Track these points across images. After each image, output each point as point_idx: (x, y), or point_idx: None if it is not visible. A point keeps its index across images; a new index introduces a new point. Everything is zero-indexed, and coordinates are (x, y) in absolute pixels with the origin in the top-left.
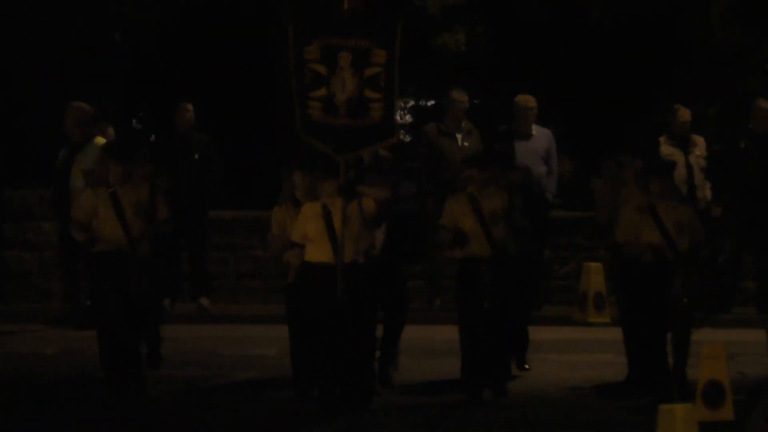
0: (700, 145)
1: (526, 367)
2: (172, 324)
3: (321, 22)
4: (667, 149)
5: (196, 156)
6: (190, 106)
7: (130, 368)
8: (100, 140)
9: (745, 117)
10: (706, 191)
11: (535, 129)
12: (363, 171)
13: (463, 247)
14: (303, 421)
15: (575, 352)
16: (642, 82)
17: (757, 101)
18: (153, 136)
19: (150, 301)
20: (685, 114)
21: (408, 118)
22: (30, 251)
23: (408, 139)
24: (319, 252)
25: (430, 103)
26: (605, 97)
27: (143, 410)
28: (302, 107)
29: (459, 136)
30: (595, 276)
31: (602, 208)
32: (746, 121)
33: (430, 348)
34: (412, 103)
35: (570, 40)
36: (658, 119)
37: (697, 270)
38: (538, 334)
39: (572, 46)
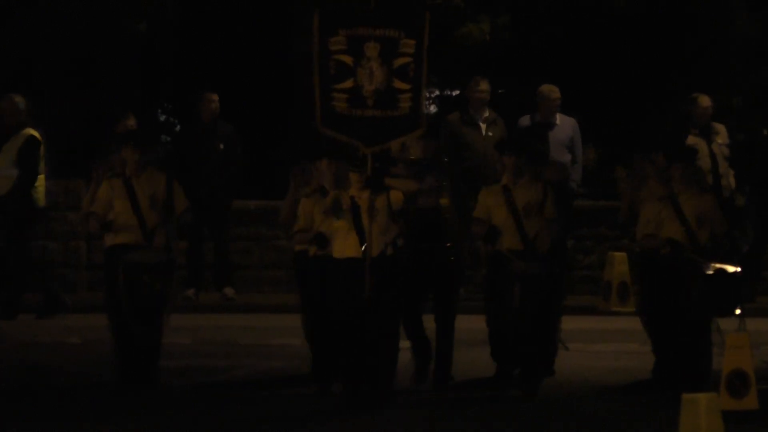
0: (722, 133)
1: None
2: (196, 313)
3: (348, 11)
4: (691, 139)
5: (221, 146)
6: (215, 97)
7: (142, 361)
8: (29, 132)
9: (767, 106)
10: (730, 179)
11: (559, 118)
12: (390, 163)
13: (494, 243)
14: (325, 415)
15: (599, 341)
16: (665, 70)
17: None
18: (178, 126)
19: (163, 298)
20: (705, 101)
21: (432, 108)
22: (54, 241)
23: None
24: (345, 247)
25: (455, 93)
26: (629, 86)
27: (164, 400)
28: (326, 100)
29: (483, 126)
30: (619, 266)
31: (623, 203)
32: None
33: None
34: (436, 92)
35: (593, 29)
36: (681, 110)
37: (719, 262)
38: (562, 323)
39: (595, 35)
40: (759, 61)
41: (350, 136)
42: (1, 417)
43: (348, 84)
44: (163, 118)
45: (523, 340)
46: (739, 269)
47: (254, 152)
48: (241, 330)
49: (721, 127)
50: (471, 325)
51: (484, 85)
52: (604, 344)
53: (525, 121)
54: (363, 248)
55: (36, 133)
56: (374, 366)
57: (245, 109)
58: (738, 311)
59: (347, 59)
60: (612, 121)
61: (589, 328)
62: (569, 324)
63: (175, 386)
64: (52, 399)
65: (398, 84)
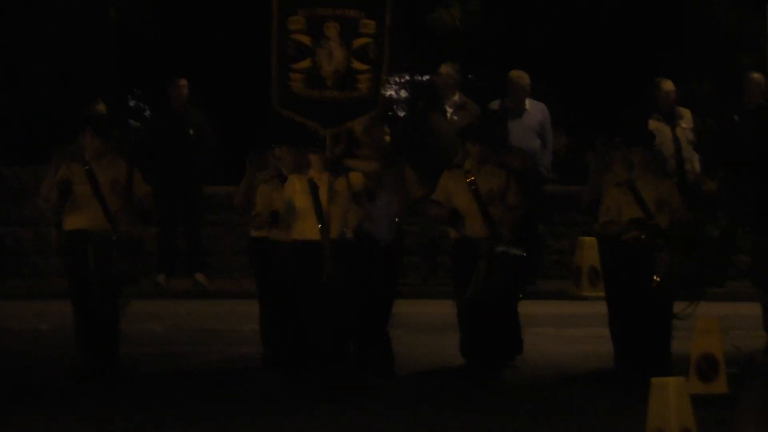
0: (686, 118)
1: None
2: (168, 299)
3: None
4: (653, 123)
5: (191, 132)
6: (184, 82)
7: (107, 345)
8: None
9: (738, 92)
10: (694, 163)
11: (529, 103)
12: (354, 145)
13: (457, 227)
14: (293, 399)
15: (570, 326)
16: (636, 56)
17: (749, 74)
18: (147, 112)
19: (130, 279)
20: (668, 85)
21: (403, 93)
22: (25, 228)
23: (403, 114)
24: (305, 229)
25: (426, 78)
26: (601, 71)
27: (135, 386)
28: (282, 79)
29: (449, 111)
30: (589, 250)
31: (587, 187)
32: (740, 97)
33: (426, 323)
34: (407, 78)
35: (564, 14)
36: (644, 94)
37: (678, 246)
38: (533, 308)
39: (567, 20)
40: (730, 48)
41: (307, 117)
42: None
43: (306, 64)
44: (133, 104)
45: (485, 321)
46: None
47: (228, 138)
48: (213, 316)
49: (686, 112)
50: (444, 310)
51: (447, 69)
52: (575, 329)
53: (495, 106)
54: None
55: None
56: (339, 350)
57: (220, 95)
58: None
59: (306, 39)
60: (583, 107)
61: (560, 313)
62: (541, 308)
63: (147, 372)
64: (18, 386)
65: (357, 65)
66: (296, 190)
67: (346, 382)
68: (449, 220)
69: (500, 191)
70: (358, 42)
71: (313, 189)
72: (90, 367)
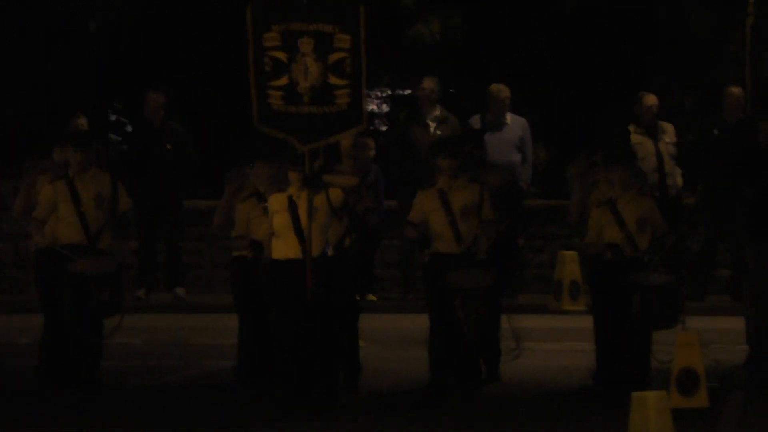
0: (669, 132)
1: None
2: (147, 313)
3: (281, 7)
4: (636, 138)
5: (169, 146)
6: (156, 96)
7: (83, 363)
8: None
9: (718, 106)
10: (677, 178)
11: (510, 118)
12: (335, 159)
13: (428, 247)
14: (275, 413)
15: (551, 340)
16: (617, 70)
17: (728, 89)
18: (128, 126)
19: (111, 311)
20: (650, 100)
21: (384, 107)
22: (3, 242)
23: (384, 128)
24: (285, 247)
25: (407, 92)
26: (580, 85)
27: (113, 400)
28: (261, 97)
29: (432, 125)
30: (570, 264)
31: (572, 204)
32: (719, 111)
33: (404, 337)
34: (388, 92)
35: (544, 28)
36: (625, 108)
37: (660, 264)
38: (513, 323)
39: (547, 34)
40: (710, 61)
41: (287, 133)
42: None
43: (283, 81)
44: (113, 117)
45: (463, 351)
46: (672, 280)
47: (209, 152)
48: (193, 330)
49: (668, 126)
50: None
51: (430, 83)
52: (555, 343)
53: (475, 120)
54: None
55: None
56: (315, 370)
57: (200, 108)
58: (679, 323)
59: (281, 55)
60: (564, 121)
61: (540, 327)
62: (521, 323)
63: (125, 386)
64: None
65: (334, 80)
66: (275, 209)
67: (317, 400)
68: (419, 241)
69: (474, 206)
70: (334, 57)
71: (292, 207)
72: (55, 382)
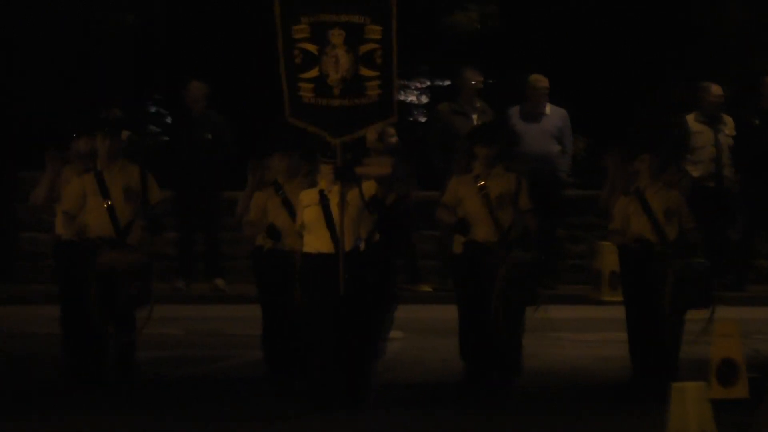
0: (729, 125)
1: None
2: (186, 304)
3: None
4: (696, 126)
5: (209, 136)
6: (199, 85)
7: (113, 357)
8: None
9: (756, 95)
10: (731, 170)
11: (549, 108)
12: (363, 152)
13: (465, 233)
14: (305, 406)
15: (589, 330)
16: (657, 58)
17: (766, 77)
18: (168, 117)
19: (140, 302)
20: (716, 90)
21: (423, 98)
22: (43, 232)
23: (424, 119)
24: (317, 241)
25: (446, 83)
26: (620, 74)
27: (152, 390)
28: (292, 90)
29: (474, 117)
30: (609, 255)
31: (605, 191)
32: (758, 100)
33: (443, 328)
34: (427, 83)
35: (583, 17)
36: (682, 96)
37: (688, 257)
38: (552, 313)
39: (586, 23)
40: (751, 49)
41: (318, 126)
42: None
43: (313, 73)
44: (153, 109)
45: (502, 331)
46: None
47: (248, 142)
48: (232, 321)
49: (729, 119)
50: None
51: (477, 76)
52: (594, 333)
53: (514, 111)
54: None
55: None
56: (348, 364)
57: (239, 98)
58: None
59: (311, 47)
60: (602, 110)
61: (580, 317)
62: (560, 313)
63: (165, 377)
64: (48, 388)
65: (365, 71)
66: (305, 204)
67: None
68: (457, 227)
69: (511, 195)
70: (365, 48)
71: (324, 200)
72: (81, 371)
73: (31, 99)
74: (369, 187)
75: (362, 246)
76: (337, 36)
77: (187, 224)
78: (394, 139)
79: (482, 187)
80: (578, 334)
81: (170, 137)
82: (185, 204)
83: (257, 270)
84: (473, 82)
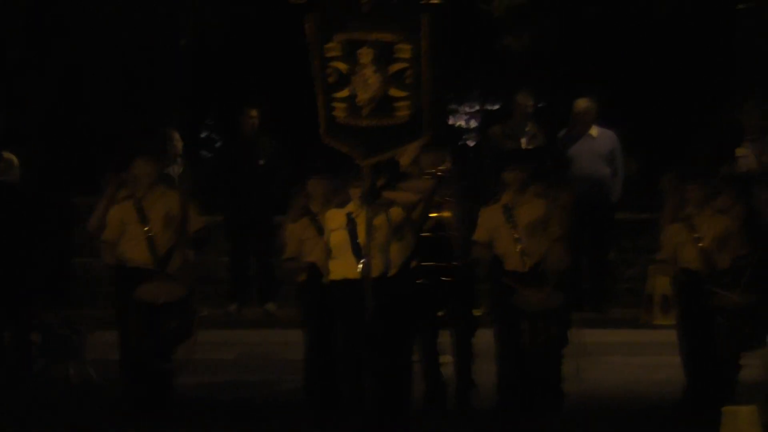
0: None
1: None
2: (239, 329)
3: (341, 15)
4: (740, 150)
5: (261, 162)
6: (254, 112)
7: (154, 389)
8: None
9: None
10: None
11: (597, 131)
12: (398, 176)
13: (497, 272)
14: None
15: (641, 354)
16: (708, 81)
17: None
18: (218, 143)
19: (182, 336)
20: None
21: (473, 123)
22: (98, 258)
23: (473, 143)
24: (343, 268)
25: (495, 107)
26: (672, 96)
27: (203, 413)
28: (327, 109)
29: (523, 141)
30: (660, 278)
31: (664, 216)
32: None
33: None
34: (477, 107)
35: (635, 39)
36: (731, 120)
37: (740, 284)
38: (603, 336)
39: (638, 45)
40: None
41: (349, 146)
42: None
43: (345, 92)
44: (204, 134)
45: (529, 378)
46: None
47: (300, 168)
48: (284, 345)
49: None
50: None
51: (527, 100)
52: (646, 357)
53: (563, 135)
54: (360, 267)
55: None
56: (383, 394)
57: (292, 124)
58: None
59: (342, 66)
60: (655, 132)
61: (631, 341)
62: (611, 337)
63: (221, 399)
64: (99, 411)
65: (394, 92)
66: (332, 227)
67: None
68: (493, 265)
69: (541, 222)
70: (394, 68)
71: (351, 224)
72: (139, 398)
73: (90, 123)
74: (397, 213)
75: (391, 271)
76: (365, 55)
77: (240, 248)
78: (447, 164)
79: (509, 216)
80: (630, 357)
81: (223, 162)
82: (238, 228)
83: (301, 296)
84: (525, 106)
